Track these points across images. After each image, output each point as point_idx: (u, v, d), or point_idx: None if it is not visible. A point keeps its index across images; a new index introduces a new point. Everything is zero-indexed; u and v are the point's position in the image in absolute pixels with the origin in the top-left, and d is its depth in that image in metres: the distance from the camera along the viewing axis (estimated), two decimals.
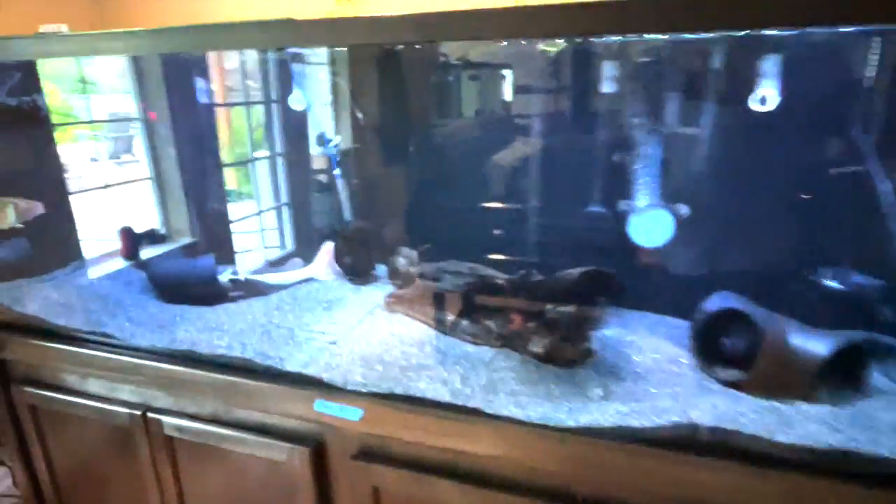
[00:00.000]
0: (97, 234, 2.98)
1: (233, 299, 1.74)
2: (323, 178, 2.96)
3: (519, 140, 2.07)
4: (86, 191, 2.73)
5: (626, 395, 1.28)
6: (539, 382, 1.36)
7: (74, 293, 1.71)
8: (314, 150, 3.12)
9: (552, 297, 1.37)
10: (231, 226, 3.73)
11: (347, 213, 2.11)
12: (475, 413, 1.28)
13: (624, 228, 1.62)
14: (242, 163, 4.24)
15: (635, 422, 1.19)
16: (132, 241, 3.17)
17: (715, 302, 1.38)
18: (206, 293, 1.71)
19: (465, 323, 1.57)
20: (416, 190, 2.32)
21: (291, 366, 1.44)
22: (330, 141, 3.21)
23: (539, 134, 1.86)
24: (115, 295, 1.73)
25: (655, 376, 1.33)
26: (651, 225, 1.58)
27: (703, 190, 1.57)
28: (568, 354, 1.38)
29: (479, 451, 1.27)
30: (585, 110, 1.74)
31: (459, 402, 1.30)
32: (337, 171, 1.98)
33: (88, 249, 2.50)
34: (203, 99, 3.38)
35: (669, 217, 1.58)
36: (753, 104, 1.38)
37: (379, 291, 1.78)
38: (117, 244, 2.96)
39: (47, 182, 2.14)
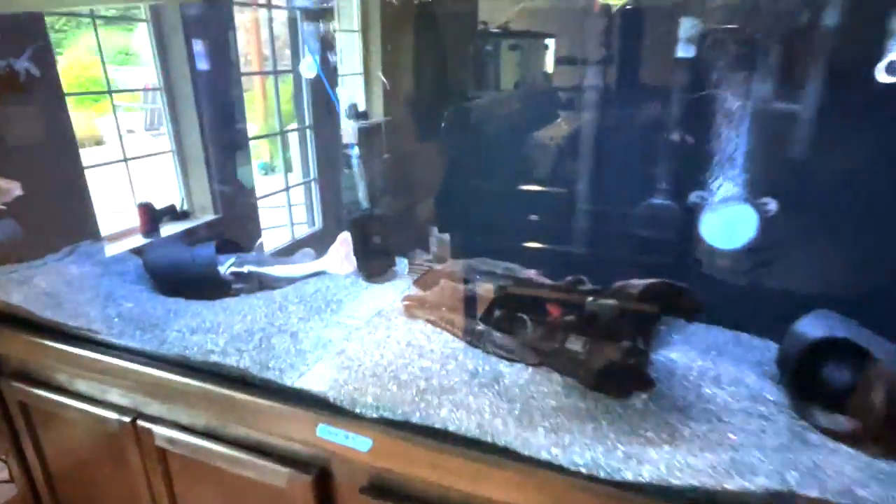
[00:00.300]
0: (109, 212, 2.83)
1: (235, 294, 1.53)
2: (353, 153, 2.74)
3: (568, 117, 1.79)
4: (96, 166, 2.58)
5: (697, 442, 1.02)
6: (586, 416, 1.11)
7: (62, 282, 1.53)
8: (345, 122, 2.89)
9: (607, 312, 1.11)
10: (257, 202, 3.54)
11: (368, 195, 1.88)
12: (506, 453, 1.04)
13: (694, 225, 1.34)
14: (267, 136, 4.05)
15: (710, 480, 0.93)
16: (152, 218, 3.02)
17: (814, 325, 1.10)
18: (205, 287, 1.51)
19: (496, 335, 1.32)
20: (447, 172, 2.07)
21: (293, 380, 1.23)
22: (364, 113, 2.97)
23: (593, 109, 1.57)
24: (107, 285, 1.55)
25: (734, 417, 1.07)
26: (730, 223, 1.30)
27: (800, 181, 1.27)
28: (614, 358, 1.12)
29: (510, 500, 1.04)
30: (652, 81, 1.44)
31: (488, 439, 1.06)
32: (355, 150, 1.74)
33: (94, 230, 2.35)
34: (226, 67, 3.18)
35: (753, 214, 1.29)
36: (879, 73, 1.07)
37: (401, 290, 1.55)
38: (128, 223, 2.81)
39: (46, 157, 1.98)
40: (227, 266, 1.55)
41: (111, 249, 2.24)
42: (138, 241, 2.82)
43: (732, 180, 1.29)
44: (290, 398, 1.21)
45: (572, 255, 1.62)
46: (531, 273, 1.33)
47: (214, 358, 1.29)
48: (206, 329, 1.37)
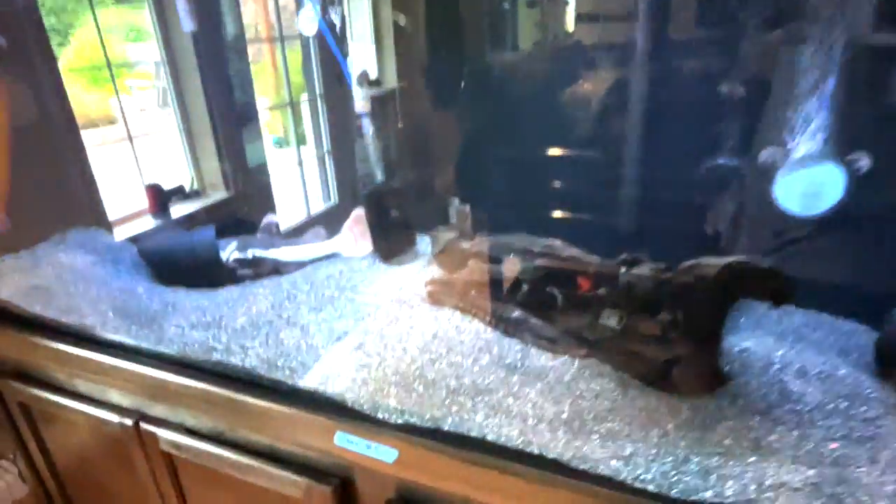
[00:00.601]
0: (122, 195, 2.70)
1: (239, 281, 1.38)
2: (367, 123, 2.57)
3: (605, 72, 1.57)
4: (92, 147, 2.43)
5: (788, 453, 0.84)
6: (648, 420, 0.94)
7: (52, 273, 1.40)
8: (357, 91, 2.71)
9: (674, 298, 0.93)
10: (269, 178, 3.39)
11: (384, 168, 1.70)
12: (556, 467, 0.88)
13: (767, 189, 1.14)
14: (276, 107, 3.87)
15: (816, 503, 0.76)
16: (160, 199, 2.89)
17: None
18: (206, 275, 1.36)
19: (536, 322, 1.15)
20: (468, 139, 1.88)
21: (304, 381, 1.08)
22: (377, 80, 2.77)
23: (641, 52, 1.35)
24: (101, 276, 1.40)
25: (831, 420, 0.89)
26: (811, 184, 1.10)
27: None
28: (682, 350, 0.95)
29: None
30: (712, 13, 1.22)
31: (533, 450, 0.90)
32: (366, 119, 1.56)
33: (100, 215, 2.22)
34: (231, 35, 3.00)
35: (839, 173, 1.08)
36: None
37: (423, 272, 1.38)
38: (138, 205, 2.68)
39: (38, 139, 1.83)
40: (229, 251, 1.39)
41: (119, 233, 2.11)
42: (149, 222, 2.69)
43: (816, 133, 1.08)
44: (302, 401, 1.07)
45: (616, 228, 1.43)
46: (575, 251, 1.14)
47: (217, 356, 1.14)
48: (208, 324, 1.22)
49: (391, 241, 1.37)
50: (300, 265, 1.40)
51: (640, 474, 0.84)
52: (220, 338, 1.18)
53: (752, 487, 0.79)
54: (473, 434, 0.94)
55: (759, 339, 1.07)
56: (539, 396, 1.00)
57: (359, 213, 1.42)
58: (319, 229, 1.55)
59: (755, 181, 1.15)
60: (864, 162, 1.07)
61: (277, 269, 1.40)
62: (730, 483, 0.81)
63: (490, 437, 0.93)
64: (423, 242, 1.48)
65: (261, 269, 1.40)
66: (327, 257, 1.42)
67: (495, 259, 1.26)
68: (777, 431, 0.88)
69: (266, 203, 3.36)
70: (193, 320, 1.24)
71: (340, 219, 1.64)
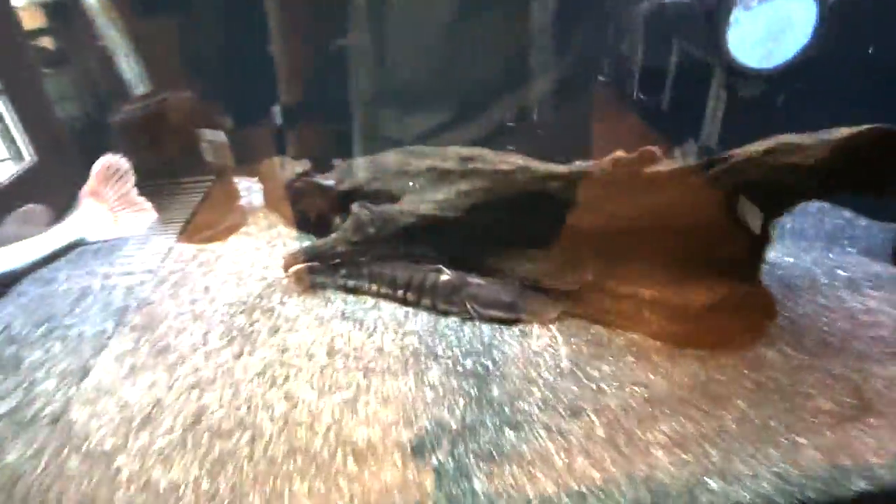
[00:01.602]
0: None
1: None
2: (48, 43, 1.72)
3: None
4: None
5: None
6: (706, 399, 0.63)
7: None
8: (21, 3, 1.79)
9: (723, 203, 0.60)
10: None
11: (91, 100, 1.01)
12: None
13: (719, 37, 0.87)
14: None
15: None
16: None
17: None
18: None
19: (477, 282, 0.74)
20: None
21: None
22: None
23: None
24: None
25: None
26: (774, 24, 0.84)
27: None
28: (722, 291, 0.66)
29: None
30: None
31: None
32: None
33: None
34: None
35: (812, 5, 0.84)
36: None
37: (271, 241, 0.82)
38: None
39: None
40: None
41: None
42: None
43: None
44: None
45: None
46: (517, 158, 0.73)
47: None
48: None
49: (198, 201, 0.76)
50: (10, 282, 0.71)
51: (755, 486, 0.54)
52: None
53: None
54: None
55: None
56: (545, 412, 0.62)
57: (109, 162, 0.76)
58: (34, 206, 0.82)
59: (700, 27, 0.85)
60: None
61: None
62: (875, 462, 0.55)
63: None
64: (255, 192, 0.89)
65: None
66: (67, 249, 0.75)
67: (385, 194, 0.79)
68: (875, 374, 0.64)
69: None
70: None
71: (60, 184, 0.94)
